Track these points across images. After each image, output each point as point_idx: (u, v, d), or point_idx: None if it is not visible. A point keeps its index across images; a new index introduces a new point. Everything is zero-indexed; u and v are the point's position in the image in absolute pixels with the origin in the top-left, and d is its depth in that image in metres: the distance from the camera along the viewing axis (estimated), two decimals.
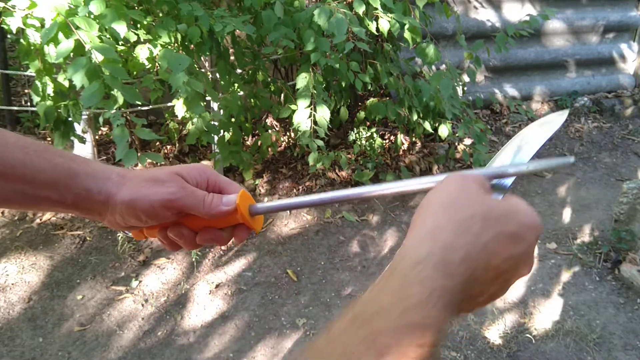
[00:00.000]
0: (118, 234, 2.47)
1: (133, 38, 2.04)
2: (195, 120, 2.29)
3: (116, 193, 0.51)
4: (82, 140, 2.54)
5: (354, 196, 0.53)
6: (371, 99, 3.07)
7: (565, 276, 2.39)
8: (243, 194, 0.54)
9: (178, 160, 3.06)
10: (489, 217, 0.38)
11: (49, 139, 3.02)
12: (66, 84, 2.12)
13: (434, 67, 3.16)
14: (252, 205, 0.55)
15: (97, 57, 1.79)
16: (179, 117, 2.44)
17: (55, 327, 2.05)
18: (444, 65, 3.13)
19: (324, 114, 2.41)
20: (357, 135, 3.04)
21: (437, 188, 0.42)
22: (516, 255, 0.38)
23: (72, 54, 1.79)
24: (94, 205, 0.51)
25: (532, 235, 0.39)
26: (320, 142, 2.46)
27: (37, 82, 2.08)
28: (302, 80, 2.40)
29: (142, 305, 2.17)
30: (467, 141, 3.33)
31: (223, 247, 2.48)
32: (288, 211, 2.77)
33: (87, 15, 1.81)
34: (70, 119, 2.22)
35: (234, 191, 0.55)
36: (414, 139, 3.26)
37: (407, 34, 2.43)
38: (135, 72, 2.27)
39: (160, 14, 2.23)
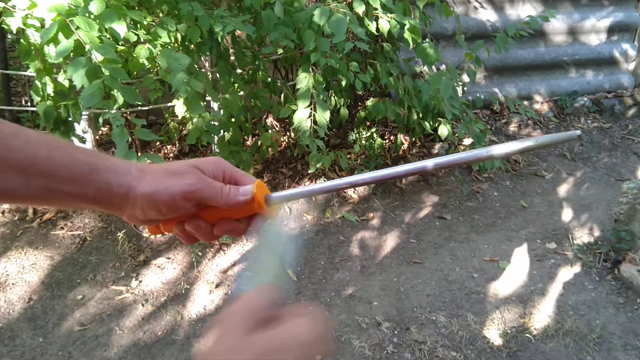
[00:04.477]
0: (118, 234, 2.47)
1: (133, 38, 2.04)
2: (195, 120, 2.30)
3: (137, 186, 0.52)
4: (82, 140, 2.54)
5: (368, 180, 0.56)
6: (371, 99, 3.07)
7: (565, 276, 2.39)
8: (259, 184, 0.56)
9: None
10: None
11: None
12: (66, 84, 2.12)
13: (434, 67, 3.16)
14: (268, 195, 0.57)
15: (97, 57, 1.79)
16: (179, 117, 2.45)
17: (55, 327, 2.05)
18: (444, 66, 3.14)
19: (323, 114, 2.41)
20: (357, 135, 3.04)
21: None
22: None
23: (72, 54, 1.79)
24: (114, 199, 0.52)
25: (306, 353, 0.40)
26: (320, 142, 2.46)
27: (37, 82, 2.08)
28: (302, 80, 2.40)
29: (142, 304, 2.17)
30: (467, 141, 3.33)
31: (223, 248, 2.49)
32: (291, 209, 2.77)
33: (87, 15, 1.81)
34: (70, 119, 2.22)
35: (249, 183, 0.57)
36: (414, 139, 3.27)
37: (407, 34, 2.43)
38: (135, 72, 2.27)
39: (160, 14, 2.23)
